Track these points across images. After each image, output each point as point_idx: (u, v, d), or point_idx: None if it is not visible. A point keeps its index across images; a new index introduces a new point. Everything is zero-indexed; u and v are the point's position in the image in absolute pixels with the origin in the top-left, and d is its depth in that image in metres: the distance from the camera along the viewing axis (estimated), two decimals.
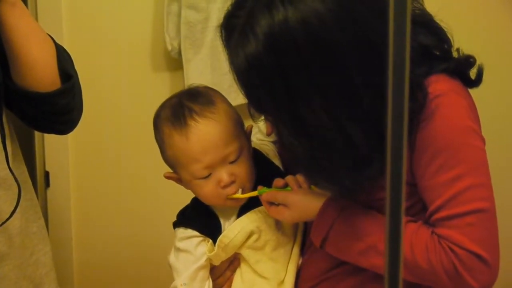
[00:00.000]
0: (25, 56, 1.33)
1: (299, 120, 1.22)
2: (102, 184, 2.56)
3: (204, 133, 1.36)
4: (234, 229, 1.42)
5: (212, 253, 1.42)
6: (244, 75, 1.23)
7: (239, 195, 1.40)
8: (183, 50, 2.36)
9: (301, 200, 1.37)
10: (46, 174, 2.50)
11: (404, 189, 0.61)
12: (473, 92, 1.34)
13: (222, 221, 1.45)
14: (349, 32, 1.17)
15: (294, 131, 1.24)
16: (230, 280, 1.48)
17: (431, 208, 1.26)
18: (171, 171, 1.48)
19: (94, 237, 2.60)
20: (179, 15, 2.34)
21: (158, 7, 2.39)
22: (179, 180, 1.47)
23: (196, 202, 1.48)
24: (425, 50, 1.30)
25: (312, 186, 1.39)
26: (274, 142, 1.56)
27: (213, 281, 1.46)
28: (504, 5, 2.38)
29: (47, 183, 2.50)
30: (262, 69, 1.20)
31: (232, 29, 1.24)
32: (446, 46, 1.33)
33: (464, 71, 1.33)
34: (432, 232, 1.26)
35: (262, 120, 1.51)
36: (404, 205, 0.61)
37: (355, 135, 1.21)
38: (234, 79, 1.34)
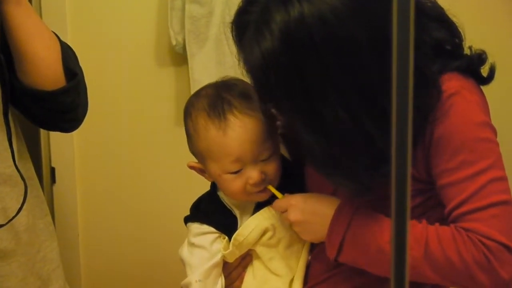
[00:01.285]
0: (31, 54, 1.33)
1: (316, 117, 1.21)
2: (107, 180, 2.57)
3: (243, 130, 1.35)
4: (248, 226, 1.42)
5: (227, 251, 1.42)
6: (260, 72, 1.22)
7: (270, 186, 1.39)
8: (187, 44, 2.36)
9: (308, 198, 1.37)
10: (52, 170, 2.50)
11: (409, 187, 0.61)
12: (488, 88, 1.34)
13: (238, 217, 1.45)
14: (365, 27, 1.16)
15: (312, 129, 1.23)
16: (241, 276, 1.47)
17: (453, 204, 1.26)
18: (195, 161, 1.46)
19: (100, 233, 2.60)
20: (183, 9, 2.34)
21: (162, 2, 2.39)
22: (201, 171, 1.45)
23: (211, 197, 1.47)
24: (438, 45, 1.30)
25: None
26: (281, 135, 1.56)
27: (224, 277, 1.46)
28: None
29: (53, 179, 2.51)
30: (278, 66, 1.19)
31: (245, 25, 1.23)
32: (457, 41, 1.33)
33: (476, 69, 1.33)
34: (456, 227, 1.25)
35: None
36: (409, 203, 0.61)
37: (373, 132, 1.20)
38: (248, 77, 1.33)
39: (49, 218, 1.54)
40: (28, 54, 1.33)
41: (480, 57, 1.34)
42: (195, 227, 1.45)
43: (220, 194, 1.46)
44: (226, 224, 1.44)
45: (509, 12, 2.40)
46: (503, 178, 1.26)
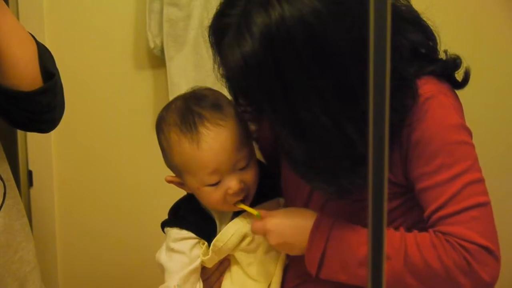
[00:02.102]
0: (6, 54, 1.32)
1: (297, 121, 1.21)
2: (85, 183, 2.56)
3: (216, 141, 1.33)
4: (227, 232, 1.41)
5: (207, 257, 1.41)
6: (240, 75, 1.21)
7: (242, 205, 1.39)
8: (165, 47, 2.36)
9: (279, 223, 1.35)
10: (29, 173, 2.49)
11: (386, 190, 0.62)
12: (464, 92, 1.35)
13: (217, 222, 1.44)
14: (345, 30, 1.16)
15: (292, 132, 1.23)
16: (219, 281, 1.47)
17: (432, 207, 1.26)
18: (172, 175, 1.44)
19: (77, 236, 2.59)
20: (161, 12, 2.34)
21: (140, 5, 2.39)
22: (180, 184, 1.44)
23: (189, 202, 1.46)
24: (414, 48, 1.31)
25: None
26: (255, 139, 1.56)
27: (202, 281, 1.45)
28: (493, 5, 2.40)
29: (30, 183, 2.50)
30: (259, 69, 1.18)
31: (225, 28, 1.23)
32: (432, 44, 1.34)
33: (451, 73, 1.34)
34: (435, 232, 1.25)
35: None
36: (386, 205, 0.61)
37: (353, 136, 1.20)
38: (225, 81, 1.33)
39: (26, 219, 1.53)
40: (4, 55, 1.32)
41: (454, 62, 1.35)
42: (174, 232, 1.44)
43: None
44: (206, 229, 1.43)
45: (494, 12, 2.42)
46: (481, 180, 1.27)
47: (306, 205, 1.42)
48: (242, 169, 1.37)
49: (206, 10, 2.33)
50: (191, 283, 1.43)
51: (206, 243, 1.42)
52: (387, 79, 0.59)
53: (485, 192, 1.27)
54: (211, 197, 1.38)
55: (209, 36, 1.29)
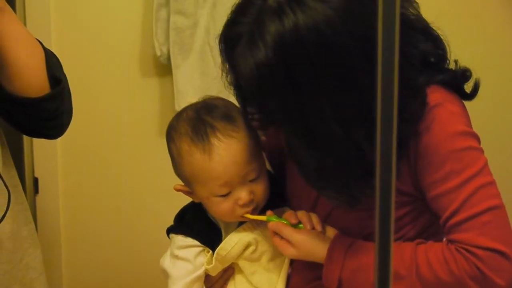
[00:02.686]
0: (14, 61, 1.33)
1: (309, 130, 1.21)
2: (91, 190, 2.56)
3: (228, 153, 1.33)
4: (231, 241, 1.41)
5: (210, 266, 1.41)
6: (254, 84, 1.21)
7: (249, 215, 1.38)
8: (172, 55, 2.37)
9: (307, 242, 1.35)
10: (35, 181, 2.49)
11: (393, 198, 0.62)
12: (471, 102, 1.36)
13: (223, 231, 1.44)
14: (359, 39, 1.16)
15: (304, 141, 1.23)
16: None
17: (445, 215, 1.26)
18: (180, 183, 1.44)
19: (83, 243, 2.59)
20: (168, 20, 2.35)
21: (147, 13, 2.40)
22: (189, 193, 1.44)
23: (195, 209, 1.46)
24: (424, 57, 1.31)
25: (300, 225, 1.37)
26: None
27: None
28: (502, 14, 2.40)
29: (36, 190, 2.50)
30: (272, 77, 1.18)
31: (236, 37, 1.22)
32: (441, 53, 1.33)
33: (460, 84, 1.34)
34: (447, 243, 1.25)
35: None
36: (393, 214, 0.61)
37: (364, 144, 1.20)
38: (238, 88, 1.32)
39: (33, 225, 1.53)
40: (11, 61, 1.33)
41: (464, 74, 1.34)
42: (179, 239, 1.44)
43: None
44: (211, 238, 1.43)
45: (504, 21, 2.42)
46: (492, 183, 1.26)
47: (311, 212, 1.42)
48: (252, 180, 1.37)
49: (213, 18, 2.33)
50: None
51: (210, 251, 1.42)
52: (395, 89, 0.59)
53: (497, 195, 1.26)
54: (220, 207, 1.38)
55: (219, 44, 1.29)
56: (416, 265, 1.24)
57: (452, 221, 1.25)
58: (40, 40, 1.42)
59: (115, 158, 2.54)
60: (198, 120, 1.36)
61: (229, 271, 1.46)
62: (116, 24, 2.43)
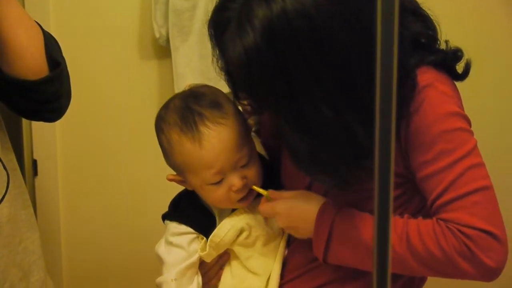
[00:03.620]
0: (13, 43, 1.32)
1: (299, 113, 1.20)
2: (90, 173, 2.56)
3: (218, 140, 1.34)
4: (224, 227, 1.41)
5: (204, 252, 1.42)
6: (242, 69, 1.21)
7: (255, 187, 1.39)
8: (171, 37, 2.36)
9: (288, 207, 1.37)
10: (34, 163, 2.49)
11: (392, 181, 0.62)
12: (463, 84, 1.35)
13: (217, 218, 1.44)
14: (347, 23, 1.16)
15: (295, 126, 1.23)
16: (218, 274, 1.48)
17: (434, 195, 1.26)
18: (173, 173, 1.45)
19: (82, 226, 2.59)
20: (166, 3, 2.34)
21: None
22: (182, 183, 1.44)
23: (190, 196, 1.46)
24: (415, 38, 1.31)
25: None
26: (256, 132, 1.56)
27: (202, 275, 1.46)
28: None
29: (35, 172, 2.50)
30: (261, 62, 1.17)
31: (225, 22, 1.22)
32: (432, 33, 1.33)
33: (451, 65, 1.34)
34: (437, 220, 1.25)
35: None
36: (392, 194, 0.61)
37: (354, 128, 1.20)
38: (224, 74, 1.32)
39: (31, 209, 1.53)
40: (10, 44, 1.32)
41: (455, 54, 1.34)
42: (173, 226, 1.45)
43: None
44: (205, 225, 1.44)
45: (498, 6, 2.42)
46: (481, 164, 1.26)
47: None
48: (244, 166, 1.38)
49: (212, 1, 2.32)
50: (188, 277, 1.43)
51: (204, 238, 1.43)
52: (395, 74, 0.59)
53: (486, 176, 1.26)
54: (214, 195, 1.39)
55: (208, 30, 1.29)
56: (407, 236, 1.25)
57: (441, 201, 1.25)
58: (39, 23, 1.41)
59: (114, 141, 2.54)
60: (186, 109, 1.36)
61: (225, 257, 1.47)
62: (115, 6, 2.42)
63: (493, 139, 2.37)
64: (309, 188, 1.41)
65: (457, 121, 1.27)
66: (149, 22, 2.38)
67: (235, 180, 1.36)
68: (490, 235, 1.22)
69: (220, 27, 1.24)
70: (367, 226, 1.29)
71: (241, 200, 1.40)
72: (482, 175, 1.26)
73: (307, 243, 1.38)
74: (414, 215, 1.32)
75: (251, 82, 1.22)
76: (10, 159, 1.45)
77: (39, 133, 2.47)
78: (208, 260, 1.45)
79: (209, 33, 1.29)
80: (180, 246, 1.43)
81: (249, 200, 1.41)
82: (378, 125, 0.59)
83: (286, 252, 1.47)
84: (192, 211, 1.45)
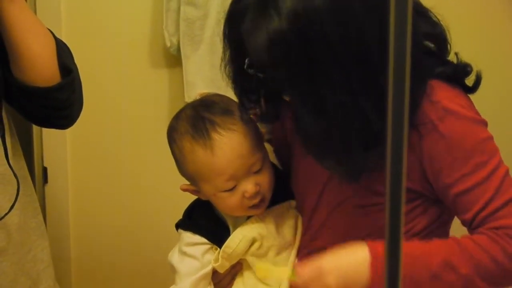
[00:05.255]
0: (25, 50, 1.33)
1: (318, 97, 1.20)
2: (100, 180, 2.56)
3: (230, 146, 1.33)
4: (235, 238, 1.40)
5: (217, 263, 1.41)
6: (266, 53, 1.20)
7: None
8: (182, 46, 2.36)
9: (336, 263, 1.25)
10: (44, 170, 2.49)
11: (404, 189, 0.61)
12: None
13: (231, 227, 1.44)
14: (370, 8, 1.17)
15: (313, 109, 1.22)
16: (231, 285, 1.47)
17: (477, 206, 1.25)
18: (187, 183, 1.44)
19: (91, 234, 2.59)
20: (178, 11, 2.34)
21: (157, 4, 2.39)
22: (196, 192, 1.44)
23: (203, 205, 1.46)
24: (424, 46, 1.31)
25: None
26: (268, 141, 1.56)
27: (214, 285, 1.45)
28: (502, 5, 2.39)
29: (45, 179, 2.50)
30: (285, 45, 1.17)
31: (244, 11, 1.22)
32: (442, 37, 1.33)
33: (461, 78, 1.33)
34: (488, 229, 1.24)
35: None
36: (403, 208, 0.61)
37: (370, 115, 1.20)
38: (237, 81, 1.32)
39: (41, 217, 1.53)
40: (22, 51, 1.33)
41: (465, 69, 1.34)
42: (188, 236, 1.44)
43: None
44: (219, 235, 1.43)
45: (503, 13, 2.41)
46: (508, 171, 1.28)
47: (315, 207, 1.42)
48: (256, 172, 1.37)
49: (223, 9, 2.31)
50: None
51: (218, 249, 1.42)
52: (407, 77, 0.58)
53: None
54: (227, 202, 1.38)
55: (224, 27, 1.30)
56: (467, 251, 1.23)
57: (487, 211, 1.25)
58: (51, 30, 1.42)
59: (124, 148, 2.54)
60: (197, 118, 1.36)
61: (237, 267, 1.46)
62: (126, 15, 2.43)
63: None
64: (321, 195, 1.41)
65: (483, 130, 1.29)
66: (160, 31, 2.38)
67: (248, 186, 1.35)
68: None
69: (239, 16, 1.24)
70: (430, 253, 1.24)
71: (254, 207, 1.39)
72: None
73: (320, 250, 1.38)
74: (423, 231, 1.32)
75: (273, 66, 1.22)
76: (21, 167, 1.45)
77: (50, 141, 2.47)
78: (221, 271, 1.43)
79: (223, 32, 1.30)
80: (194, 256, 1.42)
81: (263, 208, 1.41)
82: (391, 126, 0.59)
83: (296, 261, 1.46)
84: (206, 221, 1.45)
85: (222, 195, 1.37)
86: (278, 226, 1.43)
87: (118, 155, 2.54)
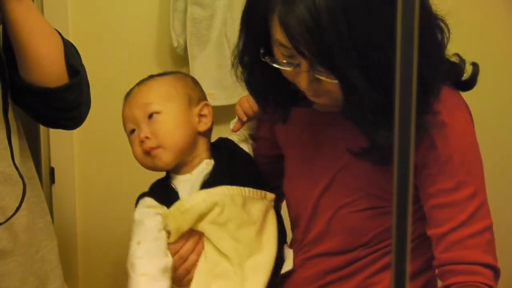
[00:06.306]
0: (33, 51, 1.33)
1: (368, 62, 1.17)
2: (107, 180, 2.56)
3: (135, 92, 1.50)
4: (198, 196, 1.41)
5: (169, 218, 1.42)
6: (309, 24, 1.16)
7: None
8: (189, 46, 2.36)
9: None
10: (51, 171, 2.49)
11: (411, 186, 0.61)
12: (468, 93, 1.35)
13: (181, 197, 1.46)
14: None
15: (361, 75, 1.18)
16: (196, 265, 1.44)
17: (448, 225, 1.26)
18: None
19: (99, 234, 2.59)
20: (185, 11, 2.34)
21: (164, 4, 2.39)
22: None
23: (160, 180, 1.54)
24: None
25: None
26: (250, 136, 1.59)
27: (178, 267, 1.45)
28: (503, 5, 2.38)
29: (52, 180, 2.50)
30: (329, 11, 1.15)
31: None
32: (444, 33, 1.31)
33: (458, 76, 1.33)
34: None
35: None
36: (411, 209, 0.61)
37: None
38: (287, 39, 1.23)
39: (49, 217, 1.53)
40: (30, 51, 1.33)
41: (459, 67, 1.34)
42: (140, 202, 1.54)
43: (171, 177, 1.51)
44: (170, 199, 1.46)
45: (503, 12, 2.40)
46: (486, 200, 1.28)
47: (314, 211, 1.42)
48: (151, 119, 1.45)
49: (230, 10, 2.32)
50: (155, 254, 1.46)
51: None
52: (414, 84, 0.58)
53: (490, 213, 1.28)
54: (132, 146, 1.51)
55: (246, 10, 1.28)
56: None
57: (458, 234, 1.25)
58: (58, 31, 1.42)
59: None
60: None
61: (200, 246, 1.44)
62: (133, 15, 2.43)
63: (494, 145, 2.35)
64: (315, 208, 1.41)
65: (477, 151, 1.28)
66: (167, 31, 2.39)
67: (142, 130, 1.46)
68: (498, 272, 1.26)
69: (262, 5, 1.23)
70: None
71: (155, 157, 1.47)
72: (489, 211, 1.28)
73: (319, 256, 1.38)
74: (417, 239, 1.33)
75: (317, 37, 1.17)
76: (29, 167, 1.46)
77: (57, 141, 2.47)
78: (174, 233, 1.43)
79: (241, 20, 1.29)
80: (142, 220, 1.51)
81: (165, 158, 1.47)
82: (397, 136, 0.59)
83: (291, 267, 1.46)
84: (159, 189, 1.52)
85: (130, 140, 1.52)
86: (245, 203, 1.43)
87: (124, 156, 2.53)
